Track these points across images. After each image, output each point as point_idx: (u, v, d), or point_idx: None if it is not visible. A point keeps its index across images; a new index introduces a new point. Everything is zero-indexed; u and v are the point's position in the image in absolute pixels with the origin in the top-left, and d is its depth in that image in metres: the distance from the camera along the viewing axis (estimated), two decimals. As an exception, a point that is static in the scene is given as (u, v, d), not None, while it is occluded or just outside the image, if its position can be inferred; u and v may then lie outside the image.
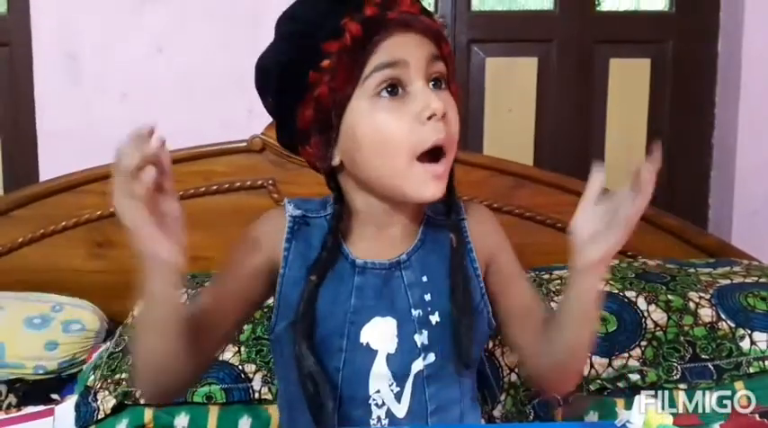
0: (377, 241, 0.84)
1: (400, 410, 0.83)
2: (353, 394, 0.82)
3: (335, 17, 0.76)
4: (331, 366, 0.81)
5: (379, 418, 0.82)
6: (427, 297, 0.84)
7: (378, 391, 0.82)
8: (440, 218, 0.87)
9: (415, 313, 0.83)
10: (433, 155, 0.77)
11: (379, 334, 0.82)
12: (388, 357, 0.82)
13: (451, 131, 0.77)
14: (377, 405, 0.82)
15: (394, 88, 0.76)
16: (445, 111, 0.76)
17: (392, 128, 0.76)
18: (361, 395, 0.82)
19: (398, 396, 0.83)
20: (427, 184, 0.77)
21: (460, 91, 0.85)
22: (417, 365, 0.83)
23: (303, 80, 0.78)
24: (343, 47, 0.75)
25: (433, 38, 0.79)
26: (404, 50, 0.76)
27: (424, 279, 0.84)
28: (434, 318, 0.83)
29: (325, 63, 0.76)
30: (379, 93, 0.76)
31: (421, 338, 0.82)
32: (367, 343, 0.82)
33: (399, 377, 0.82)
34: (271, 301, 0.86)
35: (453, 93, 0.81)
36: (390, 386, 0.82)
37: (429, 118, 0.75)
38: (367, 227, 0.84)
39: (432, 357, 0.83)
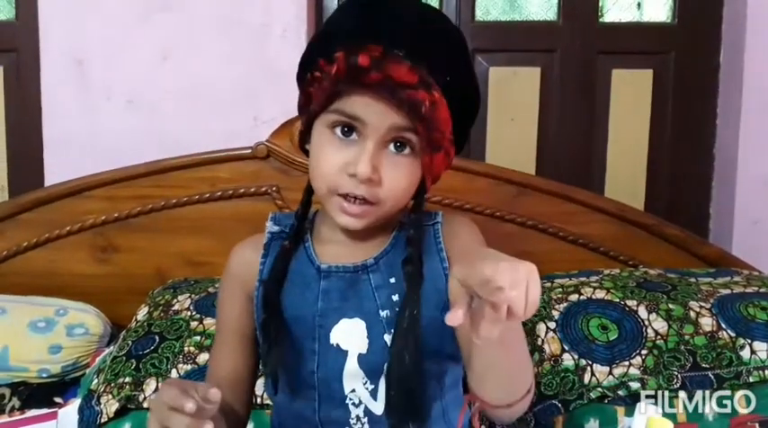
0: (346, 246, 0.88)
1: (377, 407, 0.85)
2: (330, 394, 0.85)
3: (336, 46, 0.78)
4: (306, 369, 0.85)
5: (358, 417, 0.85)
6: (395, 297, 0.85)
7: (353, 390, 0.85)
8: (417, 225, 0.88)
9: (383, 313, 0.85)
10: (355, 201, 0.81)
11: (348, 335, 0.85)
12: (360, 357, 0.85)
13: (378, 193, 0.80)
14: (354, 404, 0.85)
15: (350, 130, 0.81)
16: (374, 176, 0.79)
17: (324, 163, 0.82)
18: (338, 395, 0.85)
19: (374, 394, 0.85)
20: (341, 216, 0.82)
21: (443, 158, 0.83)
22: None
23: (307, 74, 0.84)
24: (328, 73, 0.79)
25: (408, 113, 0.78)
26: (367, 112, 0.79)
27: (392, 280, 0.86)
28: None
29: (317, 74, 0.81)
30: (333, 128, 0.81)
31: (390, 338, 0.84)
32: (337, 345, 0.85)
33: (372, 375, 0.85)
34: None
35: (424, 162, 0.81)
36: (365, 384, 0.85)
37: (351, 175, 0.79)
38: (334, 231, 0.88)
39: None
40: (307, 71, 0.84)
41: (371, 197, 0.80)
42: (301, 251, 0.89)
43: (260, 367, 0.94)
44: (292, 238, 0.89)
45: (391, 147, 0.81)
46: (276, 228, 0.91)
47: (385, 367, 0.83)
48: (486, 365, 0.78)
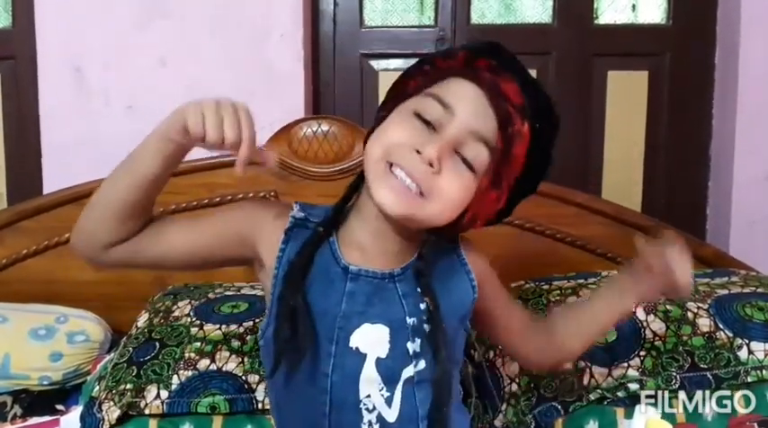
0: (371, 251, 0.86)
1: (391, 415, 0.84)
2: (344, 398, 0.84)
3: (462, 49, 0.83)
4: (320, 371, 0.83)
5: (370, 422, 0.84)
6: (422, 305, 0.85)
7: (368, 396, 0.84)
8: (440, 244, 0.90)
9: (410, 321, 0.85)
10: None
11: (370, 340, 0.84)
12: (378, 361, 0.84)
13: (432, 187, 0.79)
14: (368, 409, 0.84)
15: (430, 125, 0.80)
16: (436, 164, 0.77)
17: (395, 132, 0.81)
18: (352, 399, 0.84)
19: (389, 401, 0.84)
20: (384, 191, 0.79)
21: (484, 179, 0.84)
22: (408, 371, 0.85)
23: (407, 74, 0.87)
24: (441, 65, 0.83)
25: (497, 123, 0.80)
26: (461, 104, 0.80)
27: (419, 289, 0.86)
28: (428, 326, 0.85)
29: (425, 67, 0.85)
30: (415, 113, 0.81)
31: (413, 346, 0.84)
32: (356, 348, 0.84)
33: (389, 381, 0.84)
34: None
35: (483, 187, 0.82)
36: (381, 390, 0.84)
37: (417, 152, 0.78)
38: (363, 234, 0.87)
39: (422, 364, 0.85)
40: (417, 70, 0.86)
41: (424, 184, 0.78)
42: (326, 246, 0.86)
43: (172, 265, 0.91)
44: (327, 226, 0.86)
45: (458, 155, 0.80)
46: (302, 214, 0.88)
47: (411, 372, 0.84)
48: (591, 322, 1.01)
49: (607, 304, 1.01)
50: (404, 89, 0.86)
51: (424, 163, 0.78)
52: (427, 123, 0.80)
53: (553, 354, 1.03)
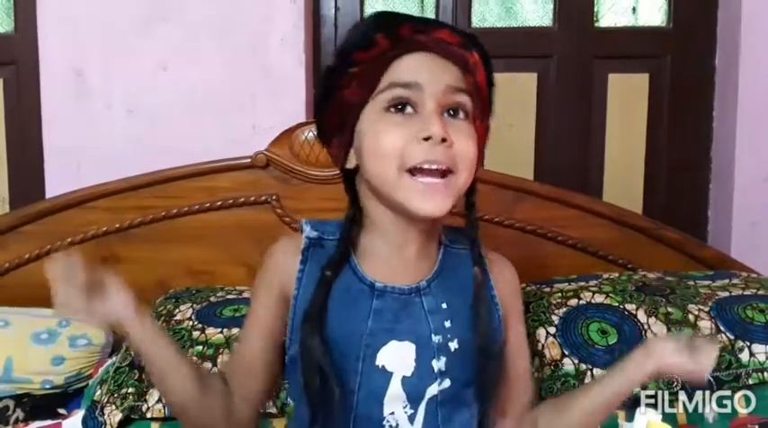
0: (393, 263, 0.85)
1: None
2: (368, 415, 0.83)
3: (373, 32, 0.80)
4: (346, 388, 0.82)
5: None
6: (447, 323, 0.85)
7: (392, 413, 0.83)
8: (458, 247, 0.89)
9: (436, 339, 0.84)
10: (432, 174, 0.79)
11: (396, 357, 0.83)
12: (404, 379, 0.83)
13: (455, 156, 0.79)
14: (390, 426, 0.83)
15: (403, 107, 0.79)
16: (447, 137, 0.77)
17: (387, 139, 0.79)
18: (376, 416, 0.83)
19: (412, 419, 0.83)
20: (421, 200, 0.78)
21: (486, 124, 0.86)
22: (432, 390, 0.84)
23: (335, 85, 0.83)
24: (369, 57, 0.80)
25: (461, 69, 0.81)
26: (421, 74, 0.79)
27: (444, 305, 0.85)
28: (453, 345, 0.84)
29: (353, 70, 0.81)
30: (387, 108, 0.80)
31: (438, 364, 0.84)
32: (383, 366, 0.83)
33: (413, 399, 0.83)
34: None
35: (477, 129, 0.83)
36: (405, 408, 0.83)
37: (426, 139, 0.77)
38: (382, 245, 0.86)
39: (447, 383, 0.84)
40: (335, 80, 0.83)
41: (449, 161, 0.78)
42: (344, 264, 0.85)
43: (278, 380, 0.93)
44: (341, 250, 0.85)
45: (446, 115, 0.80)
46: (315, 234, 0.87)
47: (435, 391, 0.84)
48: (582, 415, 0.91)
49: (610, 389, 0.91)
50: (347, 102, 0.83)
51: (437, 143, 0.77)
52: (404, 109, 0.80)
53: None
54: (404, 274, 0.85)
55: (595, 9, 2.01)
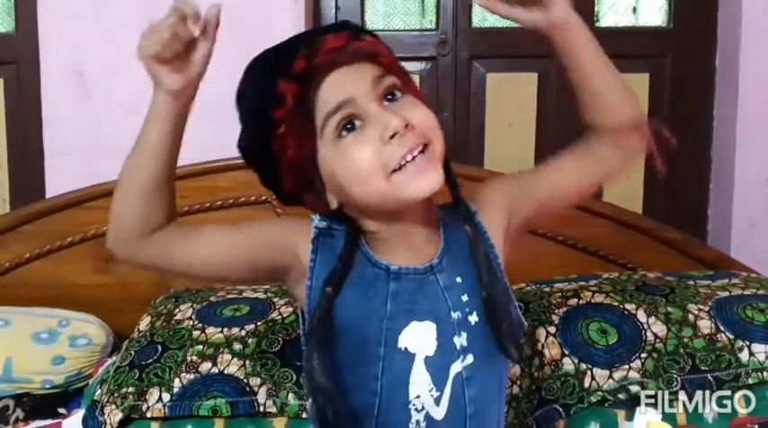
0: (404, 250, 0.85)
1: (439, 412, 0.83)
2: (393, 399, 0.83)
3: (272, 83, 0.80)
4: (370, 374, 0.82)
5: (417, 422, 0.83)
6: (464, 297, 0.85)
7: (417, 396, 0.83)
8: (454, 221, 0.88)
9: (455, 315, 0.84)
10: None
11: (418, 338, 0.83)
12: (427, 359, 0.83)
13: (421, 129, 0.79)
14: (416, 409, 0.83)
15: (351, 124, 0.79)
16: (407, 120, 0.78)
17: (358, 158, 0.78)
18: (401, 400, 0.83)
19: (438, 400, 0.83)
20: (417, 181, 0.78)
21: (432, 99, 0.88)
22: (456, 367, 0.84)
23: (272, 153, 0.82)
24: (289, 110, 0.79)
25: (370, 59, 0.81)
26: (345, 88, 0.79)
27: (458, 279, 0.85)
28: (473, 318, 0.84)
29: (281, 130, 0.80)
30: (339, 135, 0.79)
31: (460, 340, 0.83)
32: (405, 348, 0.82)
33: (438, 380, 0.83)
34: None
35: (415, 93, 0.84)
36: (430, 391, 0.83)
37: (392, 137, 0.77)
38: (390, 239, 0.85)
39: (470, 358, 0.84)
40: (267, 148, 0.82)
41: (421, 137, 0.78)
42: (355, 250, 0.85)
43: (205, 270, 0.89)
44: (353, 243, 0.85)
45: (386, 103, 0.80)
46: (324, 224, 0.86)
47: (459, 368, 0.83)
48: (588, 76, 0.89)
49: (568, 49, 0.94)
50: (296, 160, 0.82)
51: (403, 131, 0.77)
52: (353, 126, 0.79)
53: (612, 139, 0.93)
54: (416, 258, 0.85)
55: (596, 9, 2.02)
